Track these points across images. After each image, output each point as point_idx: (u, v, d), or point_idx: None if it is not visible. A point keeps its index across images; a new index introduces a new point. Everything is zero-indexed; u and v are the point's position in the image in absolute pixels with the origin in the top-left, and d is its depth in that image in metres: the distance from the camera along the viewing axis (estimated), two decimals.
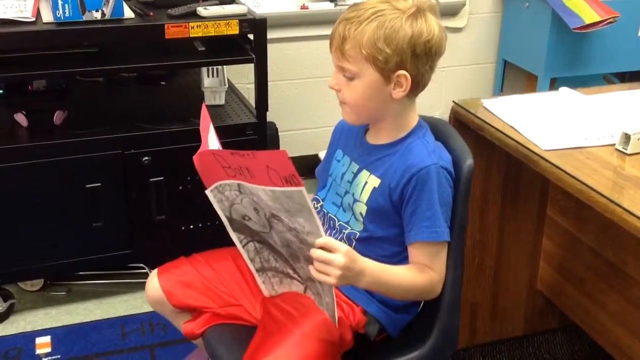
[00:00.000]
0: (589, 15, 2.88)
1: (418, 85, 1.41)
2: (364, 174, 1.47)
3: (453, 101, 1.91)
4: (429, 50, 1.37)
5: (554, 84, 3.15)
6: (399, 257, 1.44)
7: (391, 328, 1.48)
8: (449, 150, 1.47)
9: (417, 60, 1.36)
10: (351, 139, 1.55)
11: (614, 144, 1.63)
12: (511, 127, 1.73)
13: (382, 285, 1.37)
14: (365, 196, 1.45)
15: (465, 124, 1.85)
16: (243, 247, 1.50)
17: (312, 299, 1.44)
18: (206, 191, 1.40)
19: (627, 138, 1.59)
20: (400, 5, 1.36)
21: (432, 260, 1.42)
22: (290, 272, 1.45)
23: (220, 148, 1.46)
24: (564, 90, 1.96)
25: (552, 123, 1.75)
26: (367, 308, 1.45)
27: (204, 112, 1.51)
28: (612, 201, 1.40)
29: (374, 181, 1.44)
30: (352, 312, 1.44)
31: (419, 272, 1.41)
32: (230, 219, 1.45)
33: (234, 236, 1.49)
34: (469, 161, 1.46)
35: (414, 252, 1.42)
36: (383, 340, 1.50)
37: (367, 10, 1.36)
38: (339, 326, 1.39)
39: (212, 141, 1.45)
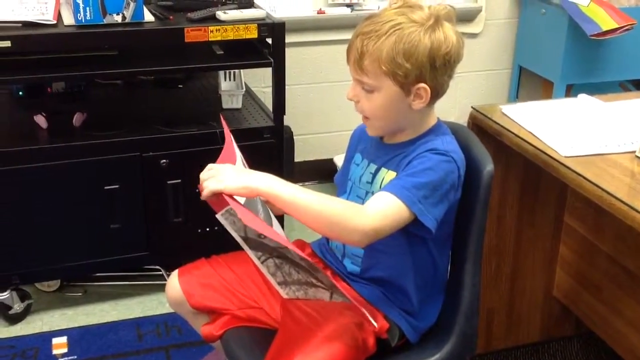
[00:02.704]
0: (606, 22, 2.87)
1: (437, 94, 1.41)
2: (382, 171, 1.47)
3: (472, 107, 1.91)
4: (448, 61, 1.37)
5: (570, 91, 3.15)
6: (414, 243, 1.43)
7: (411, 334, 1.48)
8: (469, 156, 1.47)
9: (437, 71, 1.36)
10: (368, 142, 1.55)
11: (634, 151, 1.62)
12: (530, 133, 1.73)
13: (286, 189, 1.30)
14: None
15: (483, 130, 1.85)
16: (262, 263, 1.49)
17: (335, 303, 1.44)
18: (217, 215, 1.38)
19: None
20: (416, 16, 1.35)
21: (378, 207, 1.32)
22: (314, 280, 1.45)
23: (243, 160, 1.47)
24: (582, 97, 1.96)
25: (571, 129, 1.75)
26: (387, 314, 1.45)
27: (225, 125, 1.50)
28: (632, 208, 1.39)
29: (390, 175, 1.44)
30: (375, 318, 1.43)
31: (345, 201, 1.36)
32: (245, 239, 1.44)
33: (251, 254, 1.48)
34: (489, 167, 1.46)
35: (371, 198, 1.36)
36: (402, 345, 1.50)
37: (385, 24, 1.35)
38: (362, 332, 1.39)
39: (237, 155, 1.46)
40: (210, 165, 1.35)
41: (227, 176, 1.29)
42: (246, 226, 1.40)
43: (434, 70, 1.36)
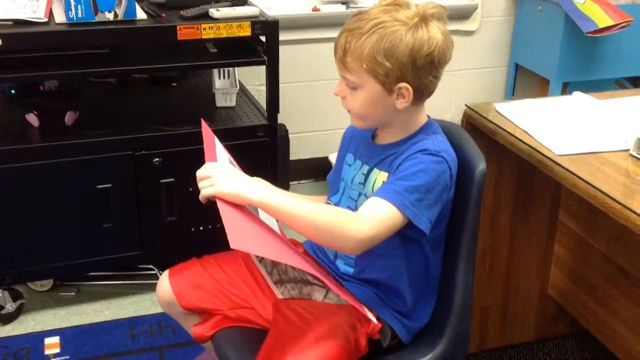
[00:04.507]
0: (603, 19, 2.86)
1: (422, 94, 1.40)
2: (375, 172, 1.46)
3: (465, 105, 1.90)
4: (431, 62, 1.35)
5: (566, 88, 3.14)
6: (408, 245, 1.42)
7: (403, 334, 1.47)
8: (462, 154, 1.46)
9: (419, 72, 1.35)
10: (360, 142, 1.55)
11: (628, 150, 1.61)
12: (524, 131, 1.72)
13: (277, 197, 1.29)
14: None
15: (477, 128, 1.84)
16: (260, 261, 1.49)
17: (327, 304, 1.43)
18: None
19: None
20: (402, 15, 1.34)
21: (372, 214, 1.30)
22: (310, 278, 1.44)
23: (232, 159, 1.45)
24: (577, 94, 1.94)
25: (565, 128, 1.74)
26: (380, 314, 1.44)
27: (205, 127, 1.48)
28: (626, 207, 1.38)
29: (383, 176, 1.43)
30: (367, 319, 1.42)
31: (337, 209, 1.36)
32: None
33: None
34: (481, 165, 1.45)
35: (364, 204, 1.34)
36: (395, 346, 1.48)
37: (369, 22, 1.33)
38: (355, 332, 1.38)
39: (221, 156, 1.44)
40: (207, 164, 1.34)
41: (220, 180, 1.29)
42: None
43: (415, 70, 1.34)
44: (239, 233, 1.21)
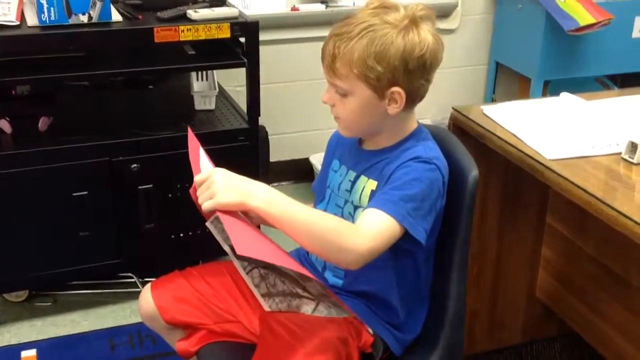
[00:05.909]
0: (584, 17, 2.85)
1: (414, 99, 1.36)
2: (362, 179, 1.42)
3: (452, 108, 1.87)
4: (422, 64, 1.32)
5: (547, 87, 3.12)
6: (400, 256, 1.38)
7: (395, 346, 1.43)
8: (452, 161, 1.42)
9: (411, 75, 1.31)
10: (346, 147, 1.50)
11: (619, 153, 1.59)
12: (513, 135, 1.69)
13: (280, 204, 1.23)
14: (365, 200, 1.39)
15: (465, 131, 1.80)
16: (247, 274, 1.44)
17: (317, 317, 1.39)
18: (206, 223, 1.35)
19: (633, 147, 1.55)
20: (391, 18, 1.30)
21: (370, 227, 1.26)
22: (300, 291, 1.40)
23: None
24: (565, 96, 1.92)
25: (555, 131, 1.71)
26: (372, 327, 1.40)
27: (191, 136, 1.42)
28: (622, 214, 1.35)
29: (371, 184, 1.39)
30: (359, 332, 1.38)
31: (338, 220, 1.31)
32: (233, 248, 1.40)
33: (237, 264, 1.44)
34: (474, 172, 1.41)
35: (361, 216, 1.30)
36: (386, 358, 1.44)
37: (357, 26, 1.30)
38: (346, 347, 1.34)
39: (205, 167, 1.39)
40: (203, 172, 1.28)
41: (219, 189, 1.22)
42: None
43: (407, 73, 1.31)
44: (243, 240, 1.19)
